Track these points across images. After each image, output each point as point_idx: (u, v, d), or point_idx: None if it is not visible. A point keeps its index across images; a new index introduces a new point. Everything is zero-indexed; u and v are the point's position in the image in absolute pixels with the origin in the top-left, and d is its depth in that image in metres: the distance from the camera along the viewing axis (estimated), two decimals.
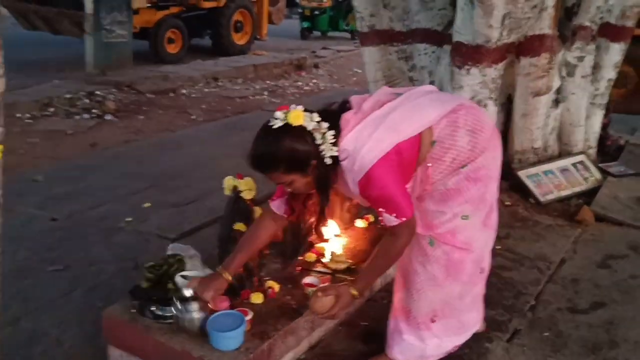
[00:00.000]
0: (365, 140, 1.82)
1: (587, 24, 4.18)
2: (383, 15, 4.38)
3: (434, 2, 4.20)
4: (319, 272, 2.51)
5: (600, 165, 4.58)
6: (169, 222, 3.78)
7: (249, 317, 2.12)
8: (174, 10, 11.82)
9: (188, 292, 2.04)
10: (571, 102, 4.41)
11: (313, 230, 2.24)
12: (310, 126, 1.81)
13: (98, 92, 7.96)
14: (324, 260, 2.62)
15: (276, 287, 2.37)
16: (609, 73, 4.56)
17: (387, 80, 4.56)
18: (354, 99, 2.00)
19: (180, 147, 5.70)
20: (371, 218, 3.07)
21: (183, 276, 2.17)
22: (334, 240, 2.82)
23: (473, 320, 2.30)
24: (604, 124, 4.90)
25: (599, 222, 3.86)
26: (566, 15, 4.03)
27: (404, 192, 1.89)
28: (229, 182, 2.29)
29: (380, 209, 1.88)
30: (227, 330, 1.99)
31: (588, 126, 4.63)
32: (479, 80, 3.90)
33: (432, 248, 2.03)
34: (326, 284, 2.42)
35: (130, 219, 3.81)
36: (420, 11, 4.27)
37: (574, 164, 4.40)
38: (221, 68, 10.55)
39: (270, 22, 15.59)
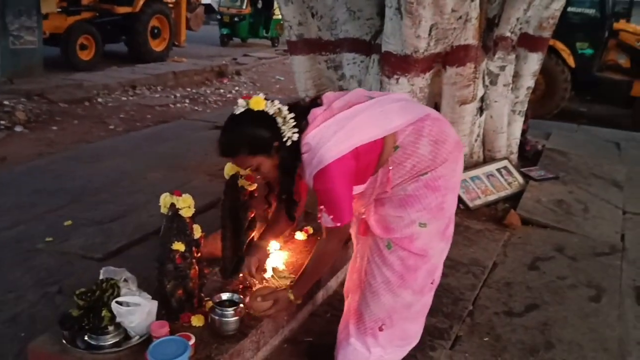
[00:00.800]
0: (327, 139, 1.90)
1: (508, 34, 4.36)
2: (311, 24, 4.36)
3: (361, 12, 4.23)
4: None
5: (522, 169, 4.78)
6: (93, 241, 3.54)
7: (192, 341, 2.01)
8: (86, 15, 11.35)
9: (224, 295, 2.19)
10: (494, 109, 4.58)
11: (290, 216, 2.21)
12: (271, 111, 1.94)
13: (6, 102, 7.44)
14: (266, 275, 2.54)
15: None
16: (528, 81, 4.78)
17: (317, 89, 4.55)
18: (326, 96, 2.08)
19: (99, 160, 5.40)
20: (310, 230, 3.02)
21: (119, 302, 2.04)
22: (275, 255, 2.74)
23: (414, 332, 2.30)
24: (523, 130, 5.13)
25: (525, 225, 4.02)
26: (488, 26, 4.17)
27: (348, 199, 1.97)
28: (165, 199, 2.16)
29: (321, 207, 1.98)
30: (170, 357, 1.87)
31: (509, 132, 4.82)
32: (407, 89, 3.95)
33: (389, 251, 2.06)
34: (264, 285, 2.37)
35: (50, 239, 3.54)
36: (348, 21, 4.29)
37: (498, 169, 4.56)
38: (139, 75, 10.21)
39: (189, 28, 15.29)
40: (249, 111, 1.94)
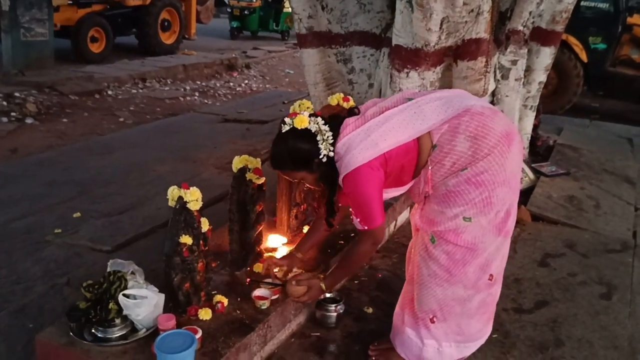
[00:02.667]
0: (354, 146, 2.00)
1: (520, 28, 4.30)
2: (321, 17, 4.32)
3: (372, 5, 4.18)
4: (269, 283, 2.42)
5: (533, 165, 4.73)
6: (101, 233, 3.56)
7: (198, 335, 2.01)
8: (96, 8, 11.36)
9: (328, 294, 2.52)
10: (505, 104, 4.52)
11: (324, 221, 2.35)
12: (313, 128, 2.05)
13: (17, 94, 7.48)
14: (274, 270, 2.53)
15: (225, 301, 2.26)
16: (540, 76, 4.72)
17: (326, 82, 4.51)
18: (366, 105, 2.21)
19: (109, 152, 5.43)
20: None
21: (126, 295, 2.04)
22: (282, 249, 2.73)
23: (476, 330, 2.25)
24: (535, 125, 5.07)
25: (536, 221, 3.98)
26: (500, 19, 4.11)
27: (376, 203, 2.03)
28: (173, 192, 2.15)
29: (352, 210, 2.09)
30: (176, 351, 1.86)
31: (521, 127, 4.77)
32: (418, 83, 3.91)
33: (433, 245, 2.09)
34: (277, 295, 2.36)
35: (59, 231, 3.56)
36: (359, 14, 4.25)
37: None
38: (149, 68, 10.23)
39: (199, 21, 15.31)
40: (293, 129, 2.07)
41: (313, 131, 2.05)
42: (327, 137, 2.05)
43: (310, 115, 2.09)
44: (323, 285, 2.24)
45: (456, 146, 2.00)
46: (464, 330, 2.20)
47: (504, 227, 2.08)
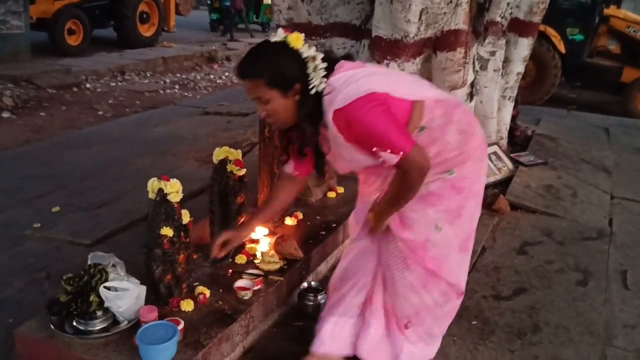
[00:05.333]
0: (356, 80, 1.77)
1: (498, 19, 4.34)
2: (301, 8, 4.31)
3: None
4: (251, 274, 2.43)
5: (511, 155, 4.79)
6: (81, 227, 3.52)
7: (180, 326, 2.01)
8: (73, 0, 11.20)
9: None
10: (484, 95, 4.57)
11: (320, 171, 2.05)
12: (305, 53, 1.79)
13: None
14: (255, 261, 2.54)
15: (207, 292, 2.26)
16: (518, 67, 4.77)
17: None
18: (359, 60, 2.00)
19: (88, 146, 5.36)
20: (300, 215, 3.02)
21: (107, 287, 2.03)
22: (264, 240, 2.74)
23: (440, 330, 2.24)
24: (513, 116, 5.13)
25: (514, 210, 4.04)
26: (479, 11, 4.14)
27: (398, 125, 1.78)
28: (154, 184, 2.14)
29: (374, 149, 1.77)
30: (158, 342, 1.86)
31: (499, 118, 4.82)
32: None
33: (413, 256, 1.98)
34: (260, 286, 2.37)
35: (37, 225, 3.52)
36: (338, 5, 4.24)
37: (488, 155, 4.55)
38: (128, 61, 10.13)
39: (178, 13, 15.15)
40: (284, 43, 1.79)
41: (304, 56, 1.79)
42: (320, 68, 1.80)
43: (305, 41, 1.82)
44: (371, 216, 2.02)
45: (446, 135, 1.87)
46: (435, 331, 2.19)
47: (466, 246, 2.04)
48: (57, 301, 2.08)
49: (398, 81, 1.89)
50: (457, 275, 2.07)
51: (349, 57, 1.98)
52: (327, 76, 1.82)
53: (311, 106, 1.82)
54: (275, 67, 1.78)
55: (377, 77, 1.83)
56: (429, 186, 1.89)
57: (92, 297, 2.02)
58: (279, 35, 1.81)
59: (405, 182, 1.83)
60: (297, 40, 1.79)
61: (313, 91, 1.80)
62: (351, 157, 1.90)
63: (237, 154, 2.49)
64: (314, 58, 1.80)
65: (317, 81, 1.80)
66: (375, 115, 1.73)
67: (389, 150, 1.74)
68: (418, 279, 2.00)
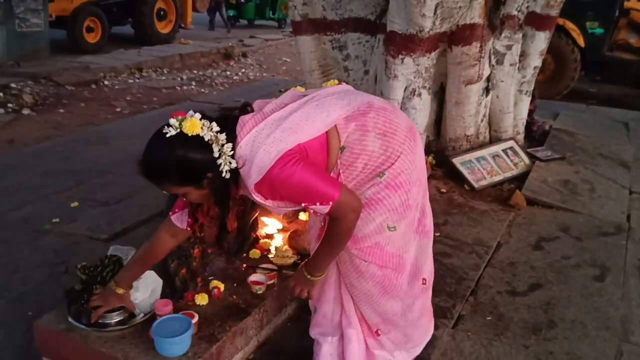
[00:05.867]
0: (262, 142, 1.67)
1: (514, 13, 4.30)
2: (316, 4, 4.32)
3: None
4: (265, 268, 2.45)
5: (528, 150, 4.75)
6: (99, 222, 3.58)
7: (195, 320, 2.04)
8: None
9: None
10: (500, 89, 4.54)
11: (215, 244, 2.01)
12: (207, 137, 1.65)
13: (13, 85, 7.50)
14: (269, 256, 2.56)
15: (221, 286, 2.29)
16: (535, 61, 4.72)
17: (322, 69, 4.52)
18: (257, 103, 1.86)
19: (106, 142, 5.43)
20: (304, 216, 3.03)
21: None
22: (278, 235, 2.76)
23: (421, 334, 2.19)
24: (530, 110, 5.08)
25: (531, 205, 4.00)
26: (495, 4, 4.11)
27: (322, 173, 1.74)
28: None
29: (304, 204, 1.72)
30: (173, 335, 1.89)
31: (516, 112, 4.78)
32: (412, 69, 3.93)
33: (366, 264, 1.89)
34: (273, 280, 2.39)
35: (57, 220, 3.58)
36: (353, 0, 4.25)
37: (504, 150, 4.53)
38: (145, 58, 10.22)
39: (195, 10, 15.23)
40: (181, 135, 1.63)
41: (206, 140, 1.65)
42: (226, 148, 1.66)
43: (202, 118, 1.66)
44: (306, 274, 1.91)
45: (367, 146, 1.79)
46: (411, 337, 2.12)
47: (422, 228, 1.97)
48: (73, 289, 2.12)
49: (303, 120, 1.73)
50: (419, 260, 2.00)
51: (244, 108, 1.83)
52: (233, 145, 1.69)
53: (224, 188, 1.73)
54: (180, 166, 1.65)
55: (280, 131, 1.69)
56: (365, 194, 1.83)
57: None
58: (173, 126, 1.64)
59: (341, 228, 1.78)
60: (193, 126, 1.64)
61: (227, 175, 1.68)
62: (282, 211, 1.91)
63: None
64: (216, 139, 1.66)
65: (226, 166, 1.67)
66: (295, 174, 1.67)
67: (318, 203, 1.70)
68: (375, 287, 1.93)
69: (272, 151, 1.65)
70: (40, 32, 9.41)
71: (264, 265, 2.47)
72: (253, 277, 2.36)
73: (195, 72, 10.26)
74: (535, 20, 4.56)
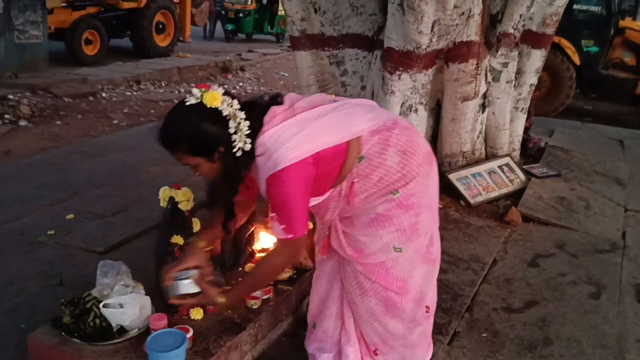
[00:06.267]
0: (286, 140, 1.68)
1: (511, 30, 4.34)
2: (314, 19, 4.36)
3: (364, 8, 4.22)
4: None
5: (524, 166, 4.77)
6: (94, 235, 3.56)
7: (189, 334, 2.03)
8: (91, 10, 11.39)
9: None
10: (496, 106, 4.57)
11: (226, 229, 1.99)
12: (226, 111, 1.68)
13: (11, 96, 7.49)
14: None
15: None
16: (531, 78, 4.76)
17: (319, 84, 4.55)
18: (289, 96, 1.86)
19: (103, 154, 5.43)
20: (310, 225, 3.02)
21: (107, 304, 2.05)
22: (266, 238, 2.75)
23: (420, 356, 2.15)
24: (526, 127, 5.12)
25: (526, 222, 4.02)
26: (491, 22, 4.16)
27: (304, 209, 1.75)
28: (165, 192, 2.17)
29: (273, 214, 1.75)
30: (167, 350, 1.88)
31: (512, 129, 4.81)
32: (409, 85, 3.96)
33: (370, 282, 1.91)
34: (269, 295, 2.38)
35: (52, 232, 3.56)
36: (351, 16, 4.28)
37: (500, 166, 4.55)
38: (143, 70, 10.24)
39: (193, 23, 15.32)
40: (200, 105, 1.68)
41: (224, 114, 1.68)
42: (242, 127, 1.69)
43: (224, 94, 1.71)
44: (222, 299, 1.91)
45: (386, 160, 1.80)
46: (410, 359, 2.09)
47: (429, 256, 1.96)
48: (60, 320, 2.09)
49: (330, 126, 1.76)
50: (422, 288, 1.98)
51: (276, 98, 1.83)
52: (253, 127, 1.72)
53: (235, 167, 1.74)
54: (193, 135, 1.68)
55: (306, 133, 1.70)
56: (376, 209, 1.84)
57: (91, 318, 2.04)
58: (194, 96, 1.69)
59: (274, 260, 1.88)
60: (214, 98, 1.67)
61: (239, 153, 1.71)
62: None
63: None
64: (235, 116, 1.69)
65: (240, 143, 1.70)
66: (291, 192, 1.69)
67: (283, 226, 1.73)
68: (378, 305, 1.93)
69: (291, 153, 1.66)
70: (39, 44, 9.44)
71: None
72: None
73: (193, 85, 10.24)
74: (531, 38, 4.61)
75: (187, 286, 1.91)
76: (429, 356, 2.22)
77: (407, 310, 1.95)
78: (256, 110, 1.75)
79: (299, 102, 1.82)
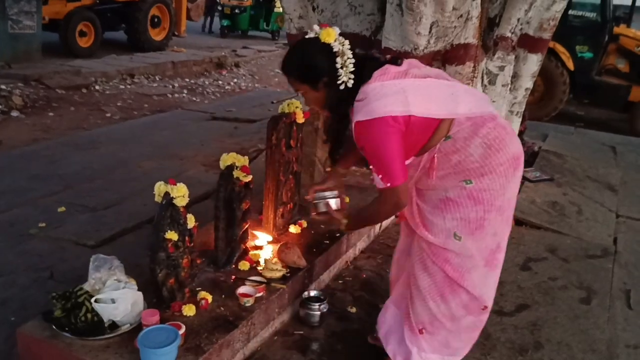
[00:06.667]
0: (387, 95, 1.81)
1: (508, 34, 4.34)
2: (312, 18, 4.34)
3: (362, 7, 4.21)
4: (254, 281, 2.43)
5: None
6: (86, 228, 3.54)
7: (182, 331, 2.01)
8: (86, 2, 11.30)
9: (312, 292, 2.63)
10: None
11: (328, 160, 2.20)
12: (336, 48, 1.88)
13: (3, 87, 7.42)
14: (258, 268, 2.54)
15: (209, 298, 2.27)
16: (527, 82, 4.76)
17: None
18: (408, 61, 1.99)
19: (95, 147, 5.40)
20: (304, 224, 3.03)
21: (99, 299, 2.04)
22: (268, 247, 2.74)
23: (462, 345, 2.21)
24: (520, 131, 5.12)
25: (519, 225, 4.03)
26: (489, 25, 4.15)
27: (400, 159, 1.84)
28: (160, 188, 2.15)
29: (372, 166, 1.88)
30: (159, 346, 1.87)
31: None
32: None
33: (432, 262, 2.01)
34: (262, 293, 2.37)
35: (43, 225, 3.53)
36: (349, 15, 4.27)
37: None
38: (137, 64, 10.18)
39: (189, 18, 15.25)
40: (316, 39, 1.90)
41: (334, 50, 1.87)
42: (348, 63, 1.87)
43: (340, 35, 1.91)
44: (344, 221, 2.11)
45: (469, 147, 1.87)
46: (452, 344, 2.16)
47: (494, 261, 2.02)
48: (52, 313, 2.07)
49: (433, 100, 1.86)
50: (481, 289, 2.03)
51: (396, 59, 1.97)
52: (362, 75, 1.88)
53: (336, 100, 1.93)
54: (303, 63, 1.92)
55: (409, 94, 1.82)
56: (447, 192, 1.93)
57: (83, 317, 2.02)
58: (314, 31, 1.91)
59: (378, 207, 1.97)
60: (328, 34, 1.88)
61: (342, 86, 1.88)
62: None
63: (244, 160, 2.50)
64: (343, 53, 1.87)
65: (344, 77, 1.87)
66: (384, 142, 1.81)
67: (380, 176, 1.84)
68: (436, 285, 2.03)
69: (387, 107, 1.79)
70: (32, 34, 9.36)
71: (252, 278, 2.45)
72: (241, 290, 2.34)
73: (187, 80, 10.24)
74: (528, 43, 4.61)
75: (329, 205, 2.14)
76: (469, 347, 2.25)
77: (462, 297, 2.03)
78: (371, 64, 1.92)
79: (415, 69, 1.94)
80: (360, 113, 1.83)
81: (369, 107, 1.81)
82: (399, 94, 1.81)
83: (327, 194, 2.16)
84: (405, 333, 2.19)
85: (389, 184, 1.83)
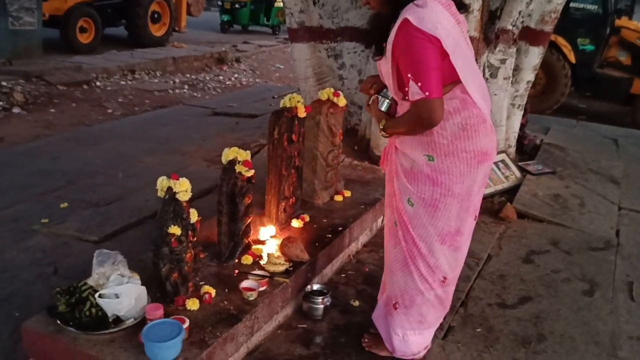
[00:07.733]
0: (443, 23, 1.82)
1: (509, 27, 4.34)
2: (313, 12, 4.34)
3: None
4: (257, 275, 2.44)
5: (519, 163, 4.78)
6: (89, 224, 3.54)
7: (185, 325, 2.02)
8: None
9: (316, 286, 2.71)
10: (493, 102, 4.54)
11: (379, 51, 2.11)
12: None
13: (4, 83, 7.43)
14: (261, 262, 2.55)
15: (212, 292, 2.27)
16: (528, 75, 4.76)
17: (317, 77, 4.53)
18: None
19: (97, 143, 5.40)
20: (307, 218, 3.03)
21: (102, 295, 2.04)
22: (271, 241, 2.75)
23: (434, 317, 2.30)
24: (522, 124, 5.12)
25: (521, 218, 4.03)
26: (490, 18, 4.15)
27: (438, 73, 1.83)
28: (163, 183, 2.16)
29: (409, 75, 1.83)
30: (163, 340, 1.87)
31: (508, 126, 4.81)
32: None
33: (396, 229, 2.14)
34: (265, 287, 2.38)
35: (46, 220, 3.54)
36: (350, 9, 4.27)
37: (496, 163, 4.55)
38: (138, 60, 10.16)
39: (189, 13, 15.23)
40: None
41: None
42: None
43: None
44: (382, 123, 2.10)
45: (448, 120, 1.93)
46: (426, 317, 2.26)
47: (452, 242, 2.10)
48: (56, 308, 2.08)
49: (465, 59, 1.92)
50: (438, 261, 2.11)
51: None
52: None
53: None
54: None
55: (457, 42, 1.87)
56: (415, 161, 2.02)
57: (87, 312, 2.03)
58: None
59: (410, 120, 1.94)
60: None
61: None
62: (385, 76, 2.05)
63: (246, 155, 2.50)
64: None
65: None
66: (426, 51, 1.80)
67: (419, 84, 1.81)
68: (402, 252, 2.14)
69: (439, 29, 1.79)
70: (33, 30, 9.35)
71: (256, 272, 2.46)
72: (245, 284, 2.34)
73: (188, 75, 10.23)
74: (529, 36, 4.60)
75: (387, 104, 2.13)
76: (441, 318, 2.36)
77: (420, 269, 2.12)
78: None
79: (464, 25, 2.01)
80: (414, 15, 1.80)
81: (425, 16, 1.80)
82: (450, 35, 1.83)
83: (389, 93, 2.13)
84: (384, 310, 2.32)
85: (427, 93, 1.80)
